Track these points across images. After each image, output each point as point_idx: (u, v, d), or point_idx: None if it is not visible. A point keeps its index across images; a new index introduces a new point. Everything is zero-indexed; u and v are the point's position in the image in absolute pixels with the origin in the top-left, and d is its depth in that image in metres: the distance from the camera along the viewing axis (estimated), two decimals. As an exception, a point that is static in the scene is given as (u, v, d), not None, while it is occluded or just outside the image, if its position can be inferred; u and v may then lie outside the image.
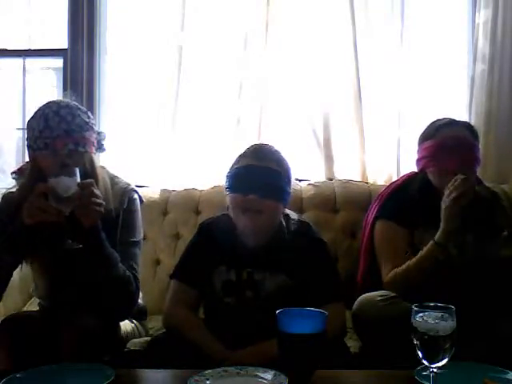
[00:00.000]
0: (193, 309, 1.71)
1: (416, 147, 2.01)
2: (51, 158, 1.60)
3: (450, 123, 1.94)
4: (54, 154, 1.59)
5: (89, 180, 1.53)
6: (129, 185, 1.79)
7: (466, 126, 1.98)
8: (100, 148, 1.77)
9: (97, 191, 1.53)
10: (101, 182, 1.67)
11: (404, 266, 1.82)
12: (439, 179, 1.90)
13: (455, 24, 2.77)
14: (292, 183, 1.75)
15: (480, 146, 1.97)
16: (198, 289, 1.71)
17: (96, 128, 1.73)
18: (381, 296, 1.75)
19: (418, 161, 1.99)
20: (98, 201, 1.52)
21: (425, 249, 1.80)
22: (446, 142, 1.88)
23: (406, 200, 1.94)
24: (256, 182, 1.61)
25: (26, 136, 1.67)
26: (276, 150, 1.72)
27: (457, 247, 1.89)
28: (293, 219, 1.76)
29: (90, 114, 1.71)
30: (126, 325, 1.81)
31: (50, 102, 1.65)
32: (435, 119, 1.99)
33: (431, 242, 1.79)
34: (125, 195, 1.74)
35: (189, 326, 1.62)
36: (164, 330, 1.72)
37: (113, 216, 1.69)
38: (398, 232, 1.91)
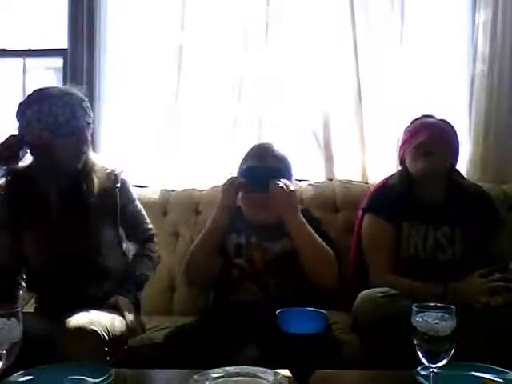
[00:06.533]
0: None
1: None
2: (73, 144, 1.75)
3: (425, 116, 2.05)
4: (77, 142, 1.75)
5: None
6: (113, 169, 1.89)
7: (442, 119, 2.05)
8: None
9: None
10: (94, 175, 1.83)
11: (397, 282, 1.82)
12: (414, 163, 1.95)
13: (455, 24, 2.77)
14: (292, 177, 1.99)
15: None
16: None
17: None
18: (381, 292, 1.75)
19: (399, 156, 2.08)
20: None
21: (422, 286, 1.78)
22: (418, 126, 1.99)
23: (390, 194, 1.99)
24: (259, 181, 1.85)
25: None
26: (274, 149, 1.97)
27: (447, 239, 1.94)
28: None
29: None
30: (121, 323, 1.79)
31: (71, 93, 1.77)
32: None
33: (431, 291, 1.76)
34: (112, 176, 1.87)
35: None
36: (168, 331, 1.78)
37: (113, 204, 1.85)
38: (383, 227, 1.96)
